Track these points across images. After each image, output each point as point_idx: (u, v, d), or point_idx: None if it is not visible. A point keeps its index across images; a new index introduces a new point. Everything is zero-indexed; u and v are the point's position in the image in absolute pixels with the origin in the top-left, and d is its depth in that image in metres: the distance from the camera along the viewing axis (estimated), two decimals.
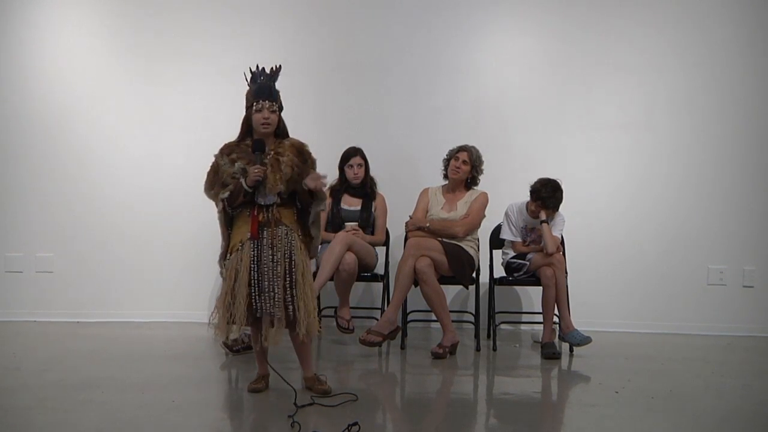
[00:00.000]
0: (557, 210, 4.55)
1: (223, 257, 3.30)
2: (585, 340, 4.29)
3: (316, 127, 5.23)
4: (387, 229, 4.84)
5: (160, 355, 4.13)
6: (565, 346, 4.44)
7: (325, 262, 4.32)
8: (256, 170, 3.12)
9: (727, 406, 3.34)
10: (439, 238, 4.46)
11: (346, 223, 4.58)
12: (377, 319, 4.43)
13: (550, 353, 4.26)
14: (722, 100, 5.25)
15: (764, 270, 5.24)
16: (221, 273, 3.28)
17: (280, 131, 3.29)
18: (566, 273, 4.51)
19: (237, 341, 4.18)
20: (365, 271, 4.56)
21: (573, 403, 3.47)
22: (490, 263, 4.82)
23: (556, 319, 4.46)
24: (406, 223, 4.65)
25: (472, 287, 4.59)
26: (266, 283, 3.14)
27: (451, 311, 4.50)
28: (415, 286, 4.38)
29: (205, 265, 5.26)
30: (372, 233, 4.73)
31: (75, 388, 3.32)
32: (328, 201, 4.77)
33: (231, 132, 5.12)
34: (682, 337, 5.06)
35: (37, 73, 5.29)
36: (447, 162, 4.69)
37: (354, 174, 4.69)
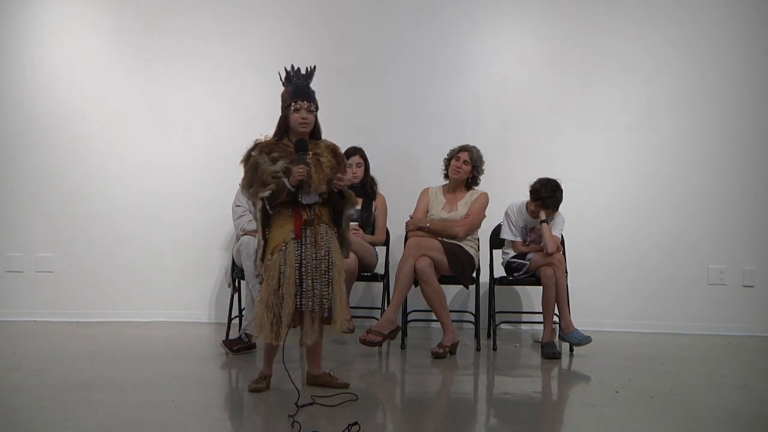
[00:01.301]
0: (557, 210, 4.55)
1: (262, 258, 3.25)
2: (585, 340, 4.29)
3: None
4: (387, 228, 4.84)
5: (160, 355, 4.13)
6: (565, 345, 4.44)
7: None
8: (300, 170, 3.12)
9: (727, 406, 3.34)
10: (440, 238, 4.46)
11: None
12: (377, 319, 4.43)
13: (550, 353, 4.26)
14: (723, 101, 5.25)
15: (764, 270, 5.24)
16: (257, 274, 3.25)
17: (316, 132, 3.30)
18: (566, 273, 4.51)
19: (237, 341, 4.18)
20: (365, 271, 4.56)
21: (573, 403, 3.47)
22: (490, 263, 4.82)
23: (556, 318, 4.46)
24: (407, 222, 4.65)
25: (472, 287, 4.59)
26: (309, 281, 3.15)
27: (451, 311, 4.50)
28: (415, 286, 4.38)
29: (205, 265, 5.28)
30: (372, 233, 4.73)
31: (75, 388, 3.32)
32: None
33: (231, 132, 5.19)
34: (682, 337, 5.06)
35: (37, 73, 5.29)
36: (448, 162, 4.68)
37: (354, 174, 4.69)
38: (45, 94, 5.29)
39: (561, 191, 4.50)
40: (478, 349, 4.48)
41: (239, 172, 4.61)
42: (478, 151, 4.63)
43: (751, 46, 5.23)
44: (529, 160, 5.17)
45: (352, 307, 4.56)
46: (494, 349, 4.47)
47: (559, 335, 4.48)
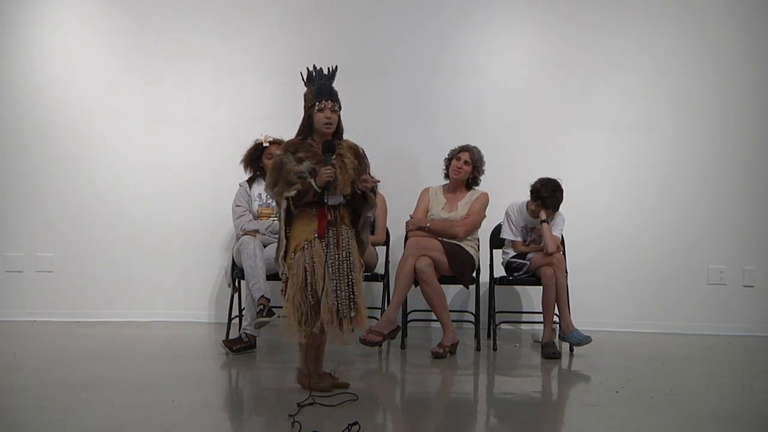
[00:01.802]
0: (557, 210, 4.55)
1: (284, 257, 3.24)
2: (585, 340, 4.29)
3: None
4: (387, 228, 4.84)
5: (160, 355, 4.13)
6: (565, 345, 4.44)
7: None
8: (327, 171, 3.11)
9: (727, 406, 3.34)
10: (440, 238, 4.46)
11: None
12: (377, 319, 4.43)
13: (550, 353, 4.26)
14: (723, 101, 5.26)
15: (764, 270, 5.24)
16: (281, 273, 3.24)
17: (338, 131, 3.29)
18: (566, 273, 4.51)
19: (237, 341, 4.18)
20: (365, 271, 4.52)
21: (573, 403, 3.47)
22: (491, 263, 4.82)
23: (556, 318, 4.46)
24: (407, 222, 4.65)
25: (472, 287, 4.59)
26: (333, 283, 3.15)
27: (451, 311, 4.50)
28: (415, 286, 4.38)
29: (205, 265, 5.28)
30: (372, 233, 4.72)
31: (75, 388, 3.32)
32: None
33: (231, 132, 5.19)
34: (682, 337, 5.06)
35: (37, 73, 5.29)
36: (448, 162, 4.68)
37: None
38: (45, 94, 5.29)
39: (561, 191, 4.50)
40: (478, 349, 4.48)
41: (239, 172, 4.67)
42: (478, 151, 4.63)
43: (751, 46, 5.24)
44: (529, 160, 5.17)
45: None
46: (494, 349, 4.47)
47: (559, 335, 4.48)
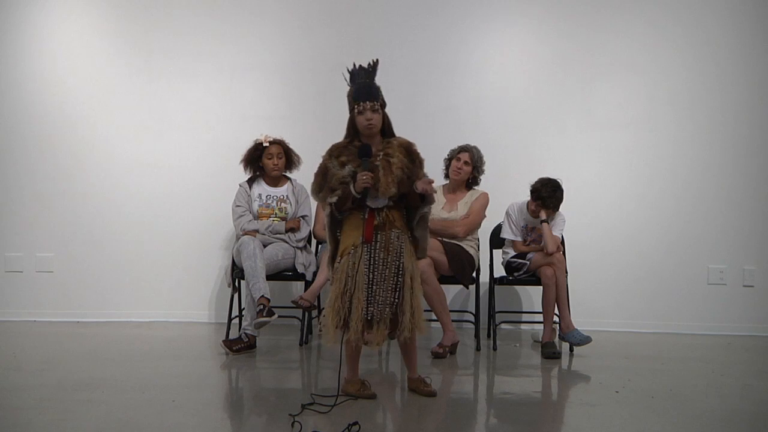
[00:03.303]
0: (557, 210, 4.55)
1: (332, 261, 3.23)
2: (585, 340, 4.29)
3: (316, 126, 5.25)
4: None
5: (160, 355, 4.13)
6: (565, 345, 4.44)
7: (324, 262, 4.31)
8: (364, 176, 3.05)
9: (727, 406, 3.34)
10: (440, 238, 4.46)
11: None
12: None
13: (550, 353, 4.26)
14: (723, 100, 5.26)
15: (764, 270, 5.24)
16: (328, 278, 3.23)
17: (386, 129, 3.23)
18: (566, 272, 4.51)
19: (237, 341, 4.18)
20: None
21: (573, 403, 3.47)
22: (491, 263, 4.82)
23: (556, 318, 4.46)
24: None
25: (472, 287, 4.59)
26: (375, 286, 3.12)
27: (451, 311, 4.50)
28: None
29: (205, 265, 5.28)
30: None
31: (75, 388, 3.32)
32: None
33: (231, 132, 5.19)
34: (682, 337, 5.06)
35: (37, 73, 5.30)
36: (448, 162, 4.68)
37: None
38: (45, 94, 5.29)
39: (561, 191, 4.50)
40: (478, 348, 4.48)
41: (239, 172, 4.67)
42: (478, 151, 4.63)
43: (751, 46, 5.24)
44: (529, 160, 5.17)
45: None
46: (494, 349, 4.47)
47: (559, 335, 4.48)
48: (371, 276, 3.11)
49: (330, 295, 3.17)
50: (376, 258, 3.12)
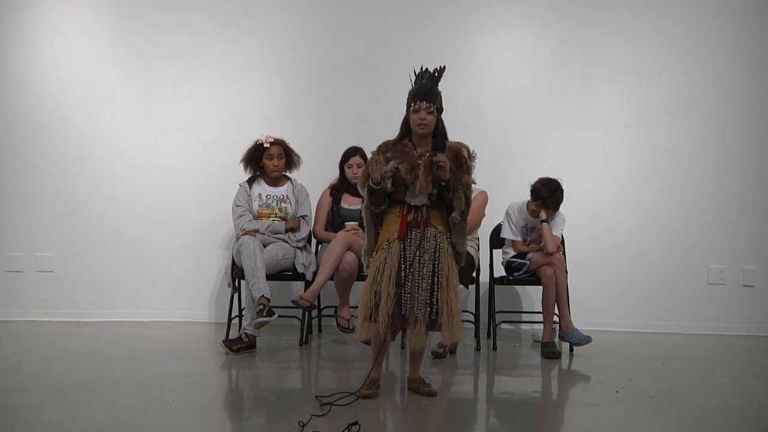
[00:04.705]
0: (557, 209, 4.55)
1: (369, 254, 3.27)
2: (585, 340, 4.29)
3: (316, 126, 5.25)
4: None
5: (160, 355, 4.13)
6: (565, 345, 4.44)
7: (325, 262, 4.32)
8: (376, 167, 3.12)
9: (727, 406, 3.34)
10: None
11: (346, 223, 4.57)
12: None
13: (550, 353, 4.26)
14: (723, 100, 5.25)
15: (764, 270, 5.24)
16: (365, 270, 3.26)
17: (438, 133, 3.25)
18: (566, 272, 4.51)
19: (237, 341, 4.18)
20: (365, 271, 4.55)
21: (573, 403, 3.47)
22: (490, 263, 4.82)
23: (556, 318, 4.46)
24: None
25: (472, 287, 4.59)
26: (409, 284, 3.14)
27: None
28: None
29: (205, 265, 5.28)
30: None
31: (75, 388, 3.32)
32: (328, 200, 4.78)
33: (231, 132, 5.18)
34: (682, 337, 5.06)
35: (37, 73, 5.29)
36: None
37: (354, 174, 4.68)
38: (45, 94, 5.28)
39: (561, 191, 4.50)
40: (478, 349, 4.48)
41: (239, 172, 4.67)
42: (467, 147, 4.58)
43: (751, 46, 5.23)
44: (529, 160, 5.17)
45: (352, 307, 4.55)
46: (494, 349, 4.47)
47: (559, 335, 4.48)
48: (405, 272, 3.13)
49: (364, 289, 3.23)
50: (409, 255, 3.15)
